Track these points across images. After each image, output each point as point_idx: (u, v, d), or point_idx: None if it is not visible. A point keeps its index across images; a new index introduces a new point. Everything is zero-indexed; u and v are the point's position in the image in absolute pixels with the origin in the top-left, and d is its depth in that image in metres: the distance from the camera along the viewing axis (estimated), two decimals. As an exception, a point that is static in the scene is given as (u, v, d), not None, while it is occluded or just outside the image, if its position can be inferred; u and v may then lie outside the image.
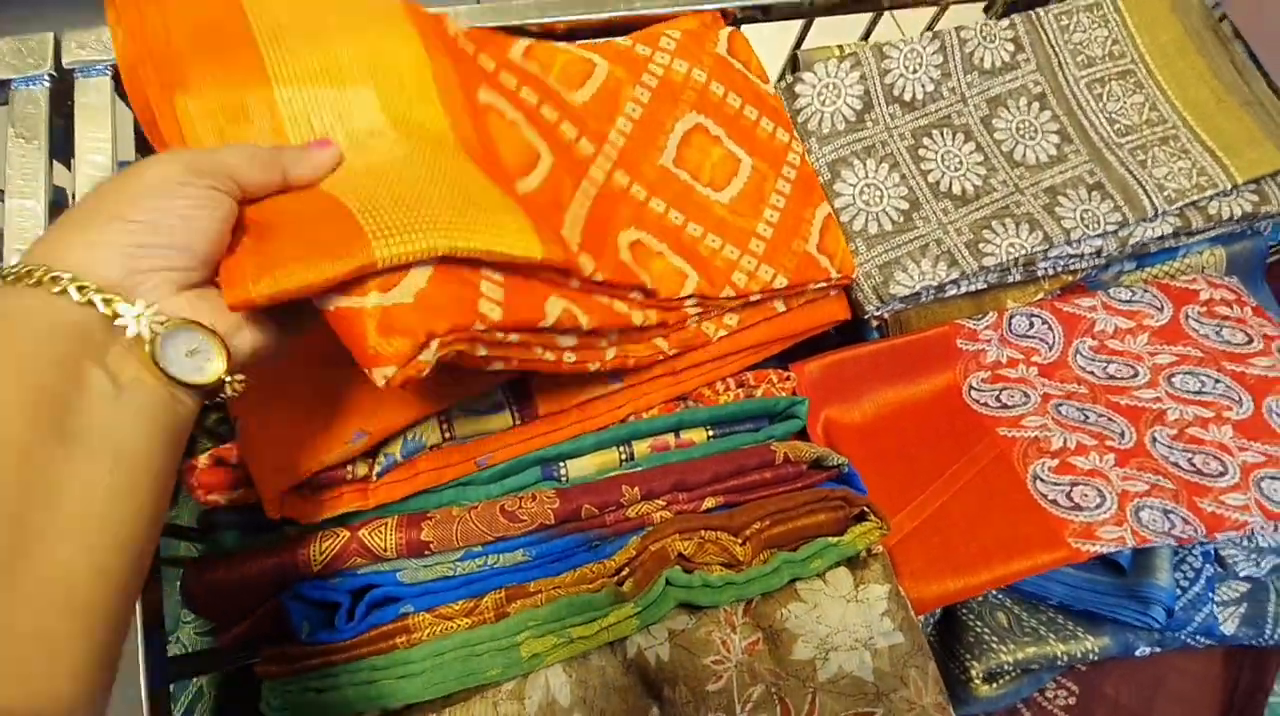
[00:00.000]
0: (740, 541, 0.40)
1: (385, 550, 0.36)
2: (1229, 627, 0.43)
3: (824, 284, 0.43)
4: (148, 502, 0.22)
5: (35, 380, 0.20)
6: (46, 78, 0.36)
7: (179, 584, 0.35)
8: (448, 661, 0.37)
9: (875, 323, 0.50)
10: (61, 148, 0.37)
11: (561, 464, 0.42)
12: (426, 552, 0.37)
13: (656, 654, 0.39)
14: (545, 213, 0.36)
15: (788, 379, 0.47)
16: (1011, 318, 0.51)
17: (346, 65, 0.33)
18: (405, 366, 0.26)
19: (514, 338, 0.31)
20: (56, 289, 0.21)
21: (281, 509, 0.34)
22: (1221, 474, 0.44)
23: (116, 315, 0.22)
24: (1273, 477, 0.43)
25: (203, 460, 0.37)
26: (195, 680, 0.43)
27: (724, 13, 0.48)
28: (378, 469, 0.37)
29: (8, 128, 0.35)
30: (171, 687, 0.43)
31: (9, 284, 0.22)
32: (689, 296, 0.40)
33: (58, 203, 0.36)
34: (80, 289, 0.22)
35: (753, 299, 0.42)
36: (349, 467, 0.37)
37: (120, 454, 0.21)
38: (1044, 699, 0.44)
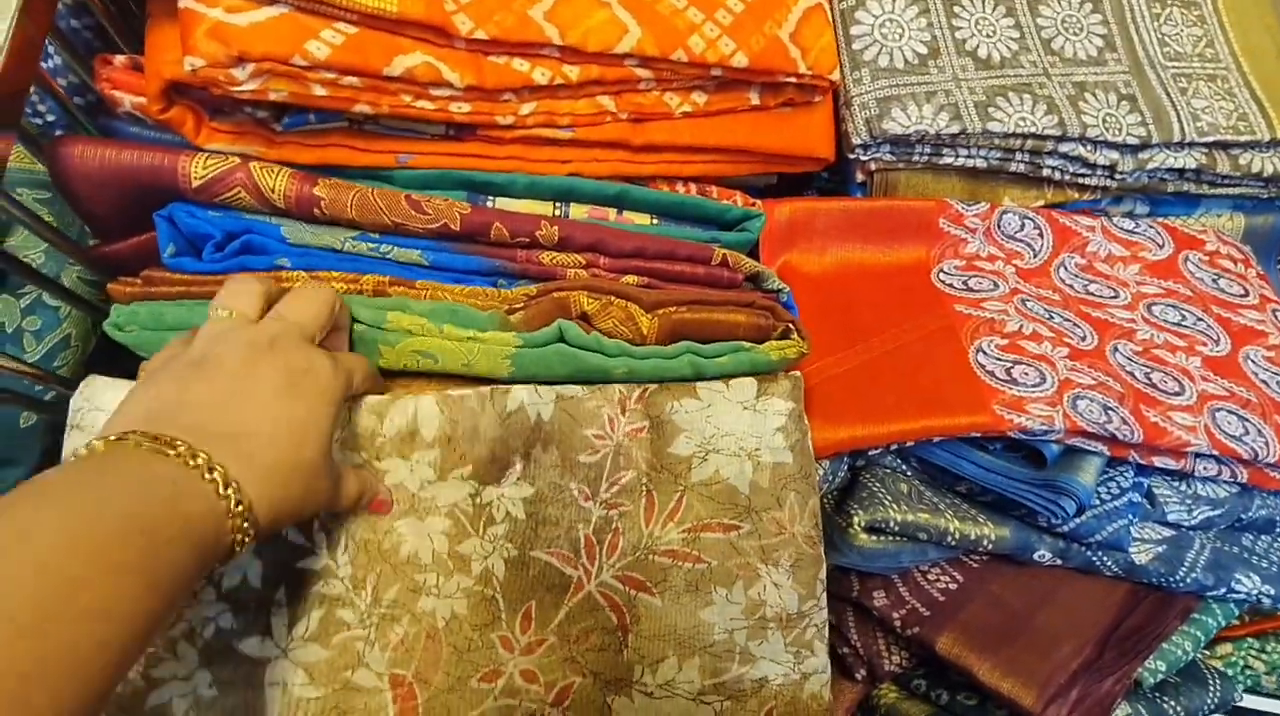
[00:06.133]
0: (650, 316, 0.37)
1: (274, 192, 0.33)
2: (1141, 557, 0.40)
3: (792, 78, 0.40)
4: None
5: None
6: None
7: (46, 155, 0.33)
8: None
9: (861, 179, 0.47)
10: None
11: (490, 199, 0.40)
12: (317, 212, 0.34)
13: (539, 411, 0.37)
14: None
15: (754, 206, 0.45)
16: (1004, 214, 0.47)
17: None
18: (214, 68, 0.30)
19: (352, 81, 0.33)
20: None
21: (167, 107, 0.32)
22: (1177, 393, 0.40)
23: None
24: (1230, 412, 0.40)
25: (120, 59, 0.35)
26: (62, 327, 0.41)
27: None
28: (286, 120, 0.35)
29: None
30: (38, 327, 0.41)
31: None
32: (629, 55, 0.37)
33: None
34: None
35: (714, 73, 0.39)
36: (252, 109, 0.34)
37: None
38: (923, 578, 0.40)
